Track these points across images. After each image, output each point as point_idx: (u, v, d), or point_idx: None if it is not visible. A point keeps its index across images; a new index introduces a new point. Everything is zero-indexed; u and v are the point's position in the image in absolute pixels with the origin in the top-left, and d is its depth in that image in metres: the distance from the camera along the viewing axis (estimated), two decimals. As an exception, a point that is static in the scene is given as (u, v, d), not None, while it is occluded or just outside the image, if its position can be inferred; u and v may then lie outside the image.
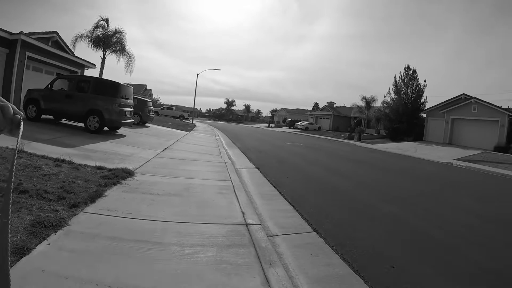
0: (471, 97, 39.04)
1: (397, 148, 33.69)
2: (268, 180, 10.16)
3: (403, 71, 47.68)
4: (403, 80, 47.39)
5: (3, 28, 19.42)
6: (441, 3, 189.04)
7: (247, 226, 5.41)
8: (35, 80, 22.00)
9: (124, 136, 15.73)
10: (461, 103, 40.07)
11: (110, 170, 7.75)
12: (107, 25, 32.46)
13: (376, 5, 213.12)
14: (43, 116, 15.65)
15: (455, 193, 12.18)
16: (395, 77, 48.18)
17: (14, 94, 20.31)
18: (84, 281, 3.08)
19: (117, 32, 32.64)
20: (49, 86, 15.80)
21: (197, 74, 52.78)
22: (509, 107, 39.36)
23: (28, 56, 21.34)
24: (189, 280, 3.41)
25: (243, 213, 6.05)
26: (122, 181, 7.11)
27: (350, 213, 7.55)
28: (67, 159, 8.00)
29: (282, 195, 8.42)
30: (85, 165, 7.90)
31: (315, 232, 5.82)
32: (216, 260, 3.98)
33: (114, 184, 6.78)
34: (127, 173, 7.79)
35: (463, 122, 39.89)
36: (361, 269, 4.49)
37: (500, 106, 37.19)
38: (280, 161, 15.29)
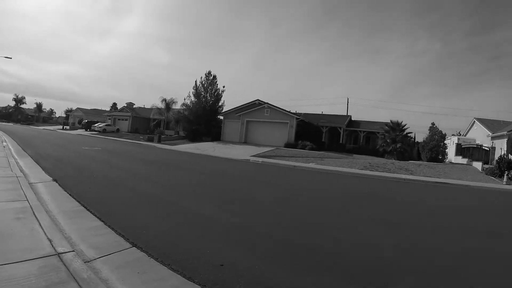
0: (265, 103, 44.43)
1: (196, 148, 34.31)
2: (70, 194, 8.61)
3: (204, 76, 49.56)
4: (203, 85, 49.15)
5: None
6: (251, 20, 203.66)
7: (59, 256, 4.47)
8: None
9: None
10: (255, 107, 44.88)
11: None
12: None
13: (188, 12, 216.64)
14: None
15: (243, 180, 12.94)
16: (196, 82, 49.67)
17: None
18: None
19: None
20: None
21: None
22: (296, 111, 46.52)
23: None
24: None
25: (50, 241, 4.93)
26: None
27: (164, 219, 7.05)
28: None
29: (88, 210, 7.24)
30: None
31: (134, 247, 5.25)
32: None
33: None
34: None
35: (257, 123, 44.66)
36: (194, 275, 4.41)
37: (289, 110, 44.07)
38: (80, 170, 13.28)
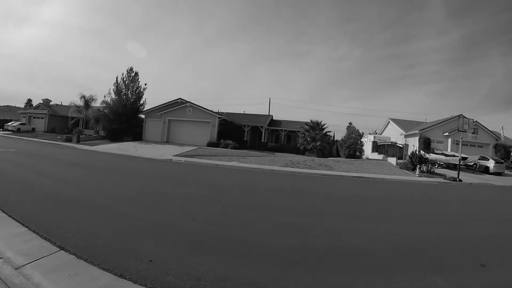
0: (187, 101, 44.39)
1: (118, 148, 33.42)
2: None
3: (125, 72, 48.25)
4: (124, 81, 47.83)
5: None
6: (174, 15, 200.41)
7: None
8: None
9: None
10: (178, 106, 44.67)
11: None
12: None
13: (114, 3, 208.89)
14: None
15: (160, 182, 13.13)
16: (116, 78, 48.09)
17: None
18: None
19: None
20: None
21: None
22: (219, 111, 47.06)
23: None
24: None
25: None
26: None
27: (88, 220, 7.15)
28: None
29: (10, 216, 6.96)
30: None
31: (62, 250, 5.30)
32: None
33: None
34: None
35: (180, 122, 44.47)
36: (125, 272, 4.64)
37: (211, 110, 44.45)
38: None
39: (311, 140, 40.80)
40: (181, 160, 24.70)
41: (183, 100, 45.08)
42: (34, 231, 6.12)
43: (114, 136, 45.17)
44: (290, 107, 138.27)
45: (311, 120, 42.82)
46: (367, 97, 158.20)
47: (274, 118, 53.49)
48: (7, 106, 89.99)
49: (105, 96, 49.98)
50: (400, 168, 28.74)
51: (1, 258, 4.80)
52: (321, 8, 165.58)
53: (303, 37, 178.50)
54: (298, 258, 5.67)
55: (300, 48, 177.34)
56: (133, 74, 48.30)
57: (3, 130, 59.58)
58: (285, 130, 48.93)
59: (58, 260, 4.92)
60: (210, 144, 39.79)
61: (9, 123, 61.16)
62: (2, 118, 68.47)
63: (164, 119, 44.52)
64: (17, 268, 4.56)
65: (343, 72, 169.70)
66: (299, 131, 44.35)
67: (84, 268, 4.71)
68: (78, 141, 41.33)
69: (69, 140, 42.58)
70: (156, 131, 45.28)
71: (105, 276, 4.51)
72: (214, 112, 43.97)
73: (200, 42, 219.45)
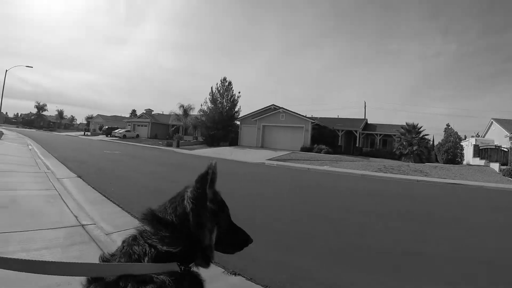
0: (280, 107, 44.90)
1: (214, 152, 34.89)
2: (93, 187, 9.59)
3: (219, 82, 49.98)
4: (219, 91, 49.61)
5: None
6: (261, 24, 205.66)
7: (83, 226, 5.39)
8: None
9: None
10: (271, 112, 45.35)
11: None
12: None
13: (202, 18, 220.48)
14: None
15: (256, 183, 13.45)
16: (211, 88, 50.11)
17: None
18: None
19: None
20: None
21: (6, 70, 46.02)
22: (312, 116, 46.29)
23: None
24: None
25: (76, 217, 5.89)
26: None
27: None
28: None
29: (109, 199, 8.19)
30: None
31: None
32: (63, 258, 3.94)
33: None
34: None
35: (274, 128, 44.95)
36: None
37: (304, 115, 44.15)
38: (101, 170, 14.22)
39: (407, 144, 38.14)
40: (273, 164, 25.07)
41: (276, 106, 45.74)
42: (126, 211, 7.05)
43: (212, 141, 46.95)
44: (385, 110, 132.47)
45: (406, 123, 39.95)
46: (465, 96, 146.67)
47: (368, 122, 51.32)
48: (114, 116, 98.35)
49: (201, 105, 52.17)
50: (504, 175, 25.19)
51: (95, 224, 5.65)
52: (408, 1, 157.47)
53: (391, 35, 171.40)
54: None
55: (390, 47, 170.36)
56: (226, 83, 49.89)
57: (111, 137, 65.32)
58: (380, 134, 46.69)
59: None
60: (303, 149, 39.51)
61: (116, 130, 67.30)
62: (109, 126, 74.64)
63: (258, 125, 45.39)
64: (106, 234, 5.31)
65: (437, 69, 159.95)
66: (394, 135, 42.06)
67: None
68: (177, 146, 44.04)
69: (169, 145, 45.56)
70: (251, 137, 46.29)
71: None
72: (306, 117, 43.74)
73: (287, 49, 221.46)
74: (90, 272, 1.28)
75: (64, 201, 7.04)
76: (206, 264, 1.67)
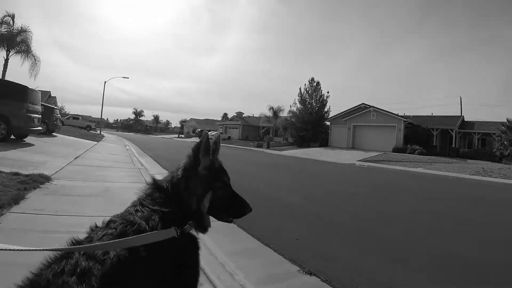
0: (370, 106, 43.74)
1: (303, 153, 35.41)
2: None
3: (307, 83, 50.18)
4: (307, 91, 49.83)
5: None
6: (344, 22, 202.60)
7: None
8: None
9: (33, 145, 13.96)
10: (361, 111, 44.40)
11: (27, 175, 7.38)
12: (13, 22, 29.48)
13: (282, 21, 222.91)
14: None
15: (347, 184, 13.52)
16: (300, 89, 50.54)
17: None
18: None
19: (23, 31, 29.79)
20: None
21: (105, 82, 50.34)
22: (405, 114, 44.93)
23: None
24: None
25: None
26: (41, 186, 6.98)
27: (256, 204, 8.26)
28: (-23, 167, 7.67)
29: None
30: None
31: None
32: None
33: (34, 188, 6.61)
34: (45, 178, 7.52)
35: (364, 128, 43.93)
36: (270, 243, 5.20)
37: (396, 113, 42.49)
38: None
39: (509, 144, 33.67)
40: (364, 165, 24.97)
41: (366, 105, 44.80)
42: None
43: (301, 142, 47.30)
44: (481, 106, 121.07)
45: (507, 119, 35.05)
46: None
47: (465, 119, 46.01)
48: (206, 119, 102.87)
49: (290, 106, 52.96)
50: None
51: None
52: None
53: (487, 21, 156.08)
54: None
55: (486, 34, 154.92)
56: (314, 84, 50.00)
57: (203, 138, 67.87)
58: (478, 133, 41.88)
59: (220, 226, 6.01)
60: (395, 150, 38.04)
61: (208, 133, 69.48)
62: (202, 129, 77.56)
63: (348, 125, 44.78)
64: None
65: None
66: (494, 133, 37.76)
67: (238, 234, 5.71)
68: (268, 147, 45.29)
69: (260, 146, 46.84)
70: (341, 137, 45.67)
71: (253, 242, 5.34)
72: (398, 115, 42.14)
73: (374, 45, 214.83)
74: (87, 248, 1.37)
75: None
76: (200, 229, 1.85)
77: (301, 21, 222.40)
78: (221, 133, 67.56)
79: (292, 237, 5.72)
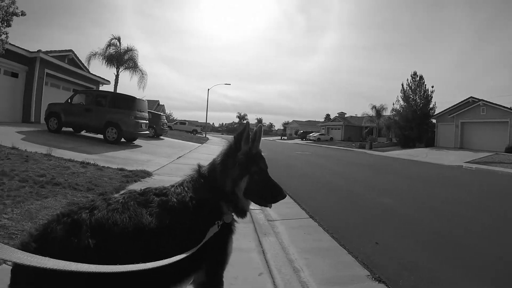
0: (479, 100, 39.04)
1: (407, 154, 33.71)
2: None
3: (410, 78, 47.39)
4: (410, 87, 47.10)
5: (22, 47, 20.65)
6: (446, 9, 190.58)
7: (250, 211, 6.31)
8: (54, 95, 23.09)
9: (140, 146, 16.59)
10: (469, 106, 40.03)
11: (131, 171, 8.69)
12: (119, 43, 33.35)
13: (380, 16, 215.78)
14: (63, 128, 16.45)
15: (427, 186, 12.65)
16: (402, 85, 47.91)
17: (34, 108, 21.53)
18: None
19: (129, 50, 33.44)
20: (69, 100, 16.73)
21: (208, 89, 53.82)
22: None
23: (46, 73, 22.59)
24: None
25: None
26: (142, 179, 7.94)
27: (344, 204, 8.57)
28: (91, 162, 8.96)
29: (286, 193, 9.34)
30: (107, 167, 8.86)
31: (311, 218, 6.70)
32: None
33: (135, 181, 7.69)
34: (146, 173, 8.74)
35: (473, 125, 39.53)
36: (347, 244, 5.16)
37: (509, 107, 36.71)
38: (288, 166, 16.63)
39: None
40: (471, 167, 23.06)
41: (475, 98, 40.45)
42: (297, 203, 7.96)
43: (405, 142, 45.04)
44: None
45: None
46: None
47: None
48: (308, 121, 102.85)
49: (393, 104, 50.21)
50: None
51: (261, 210, 6.50)
52: None
53: None
54: None
55: None
56: (417, 78, 46.93)
57: (305, 140, 68.59)
58: None
59: (302, 223, 6.41)
60: (508, 150, 32.81)
61: (310, 134, 70.51)
62: (304, 131, 78.57)
63: (456, 122, 40.98)
64: (269, 220, 6.17)
65: None
66: None
67: (318, 232, 5.82)
68: (370, 148, 44.28)
69: (362, 147, 45.97)
70: (448, 136, 42.01)
71: (330, 242, 5.32)
72: None
73: (476, 32, 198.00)
74: None
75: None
76: (239, 213, 2.14)
77: (401, 12, 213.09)
78: (321, 134, 67.80)
79: (373, 240, 5.55)
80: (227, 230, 2.04)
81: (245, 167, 2.09)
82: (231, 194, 2.07)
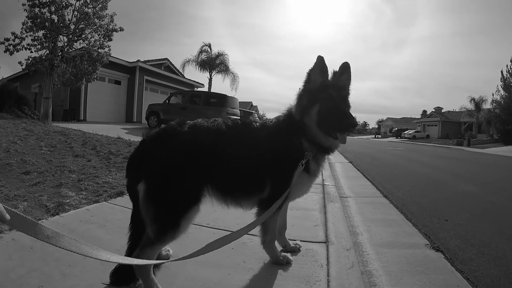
0: None
1: (509, 151, 30.30)
2: (357, 169, 11.64)
3: (510, 63, 42.34)
4: (511, 74, 42.15)
5: (123, 59, 24.70)
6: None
7: (323, 185, 6.74)
8: (153, 99, 26.74)
9: None
10: None
11: None
12: (210, 49, 35.19)
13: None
14: (162, 125, 18.03)
15: None
16: (501, 72, 43.12)
17: (136, 110, 24.45)
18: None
19: (220, 55, 35.16)
20: (167, 101, 18.64)
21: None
22: None
23: (145, 79, 25.33)
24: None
25: (323, 180, 7.25)
26: None
27: (423, 188, 8.56)
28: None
29: (365, 176, 9.77)
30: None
31: (384, 197, 6.89)
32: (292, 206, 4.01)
33: None
34: None
35: None
36: (414, 219, 5.20)
37: None
38: (374, 158, 16.90)
39: None
40: None
41: None
42: (374, 185, 8.35)
43: (508, 138, 39.03)
44: None
45: None
46: None
47: None
48: (403, 118, 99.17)
49: (493, 95, 45.76)
50: None
51: (334, 186, 6.92)
52: None
53: None
54: None
55: None
56: (519, 62, 41.56)
57: (400, 138, 66.58)
58: None
59: (374, 200, 6.66)
60: None
61: (405, 132, 68.24)
62: (399, 128, 76.17)
63: None
64: (342, 197, 6.45)
65: None
66: None
67: (387, 208, 6.02)
68: (468, 145, 41.22)
69: (459, 144, 43.40)
70: None
71: (396, 215, 5.49)
72: None
73: None
74: None
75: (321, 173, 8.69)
76: (319, 149, 2.36)
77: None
78: (417, 131, 64.97)
79: (444, 218, 5.30)
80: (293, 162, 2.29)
81: (315, 95, 2.29)
82: (299, 122, 2.33)
